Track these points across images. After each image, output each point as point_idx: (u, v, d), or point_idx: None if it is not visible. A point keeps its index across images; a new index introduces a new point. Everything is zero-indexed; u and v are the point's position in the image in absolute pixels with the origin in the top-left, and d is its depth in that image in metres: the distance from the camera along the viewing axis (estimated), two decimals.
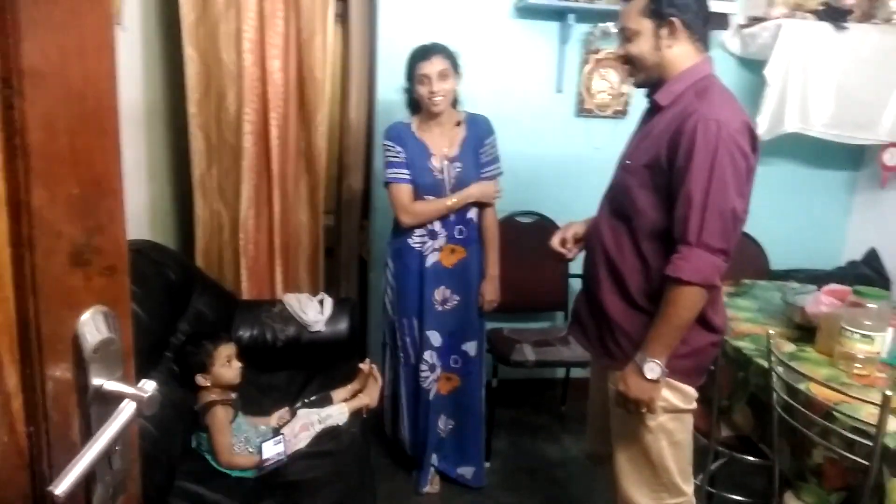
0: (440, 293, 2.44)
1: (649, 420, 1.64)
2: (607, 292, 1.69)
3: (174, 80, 2.82)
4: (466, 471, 2.62)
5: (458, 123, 2.41)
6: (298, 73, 2.77)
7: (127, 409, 0.66)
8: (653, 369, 1.55)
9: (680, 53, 1.59)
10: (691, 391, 1.67)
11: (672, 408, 1.65)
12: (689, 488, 1.74)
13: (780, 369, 1.80)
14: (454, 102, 2.39)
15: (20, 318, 0.59)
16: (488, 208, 2.47)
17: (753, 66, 3.13)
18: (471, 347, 2.51)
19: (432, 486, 2.60)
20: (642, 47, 1.62)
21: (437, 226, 2.39)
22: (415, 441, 2.59)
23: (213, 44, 2.66)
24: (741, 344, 2.06)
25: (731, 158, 1.47)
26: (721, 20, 3.03)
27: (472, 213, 2.43)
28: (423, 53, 2.29)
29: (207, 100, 2.74)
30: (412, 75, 2.31)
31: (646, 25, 1.60)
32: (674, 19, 1.56)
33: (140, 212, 2.50)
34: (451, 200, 2.35)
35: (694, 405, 1.69)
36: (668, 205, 1.55)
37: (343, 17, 3.12)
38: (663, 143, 1.55)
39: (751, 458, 2.08)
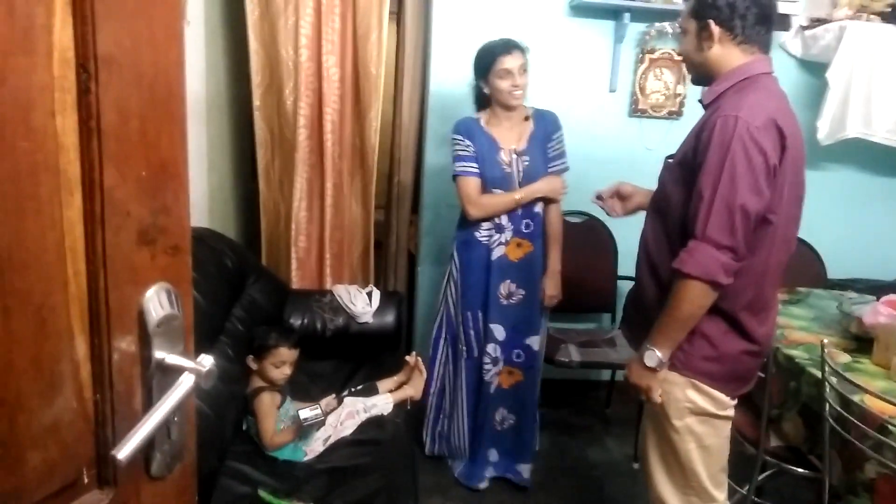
0: (506, 287, 2.44)
1: (674, 420, 1.63)
2: (648, 287, 1.69)
3: (235, 73, 2.89)
4: (524, 468, 2.58)
5: (527, 118, 2.41)
6: (354, 69, 2.81)
7: (186, 382, 0.69)
8: (651, 357, 1.57)
9: (722, 55, 1.57)
10: (723, 398, 1.62)
11: (700, 410, 1.62)
12: (720, 495, 1.71)
13: (833, 380, 1.75)
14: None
15: (90, 292, 0.63)
16: (553, 204, 2.46)
17: (814, 68, 3.04)
18: (534, 342, 2.50)
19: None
20: (687, 46, 1.64)
21: (503, 219, 2.39)
22: (472, 435, 2.57)
23: (273, 38, 2.73)
24: (794, 352, 2.00)
25: (746, 154, 1.43)
26: (782, 21, 2.95)
27: (540, 208, 2.43)
28: (505, 48, 2.28)
29: (270, 93, 2.81)
30: (488, 70, 2.30)
31: (692, 26, 1.61)
32: (710, 21, 1.55)
33: (200, 200, 2.57)
34: (518, 195, 2.35)
35: (729, 412, 1.65)
36: None
37: (398, 15, 3.15)
38: (692, 140, 1.56)
39: (800, 470, 2.01)
